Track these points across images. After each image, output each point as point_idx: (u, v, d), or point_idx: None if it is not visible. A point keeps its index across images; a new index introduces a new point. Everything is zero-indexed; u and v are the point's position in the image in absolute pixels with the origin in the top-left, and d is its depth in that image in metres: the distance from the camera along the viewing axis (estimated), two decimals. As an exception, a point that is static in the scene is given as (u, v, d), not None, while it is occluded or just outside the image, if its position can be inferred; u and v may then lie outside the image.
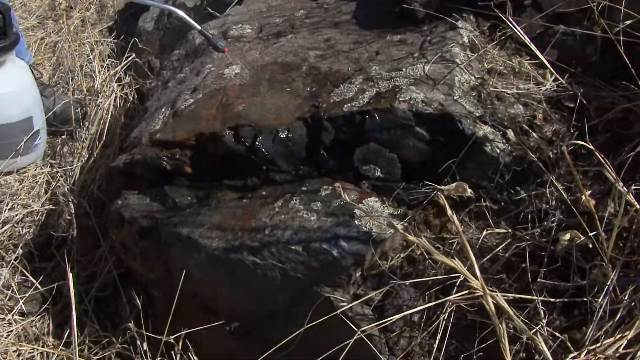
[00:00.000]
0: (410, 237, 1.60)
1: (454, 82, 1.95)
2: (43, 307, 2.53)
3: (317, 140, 2.00)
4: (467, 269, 1.52)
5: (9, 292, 2.56)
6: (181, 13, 2.22)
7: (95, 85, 3.36)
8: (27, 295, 2.55)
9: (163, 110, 2.37)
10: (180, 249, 1.99)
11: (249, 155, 2.04)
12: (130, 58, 3.42)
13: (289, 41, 2.48)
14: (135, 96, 3.33)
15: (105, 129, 3.05)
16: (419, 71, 2.01)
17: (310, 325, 1.67)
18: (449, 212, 1.57)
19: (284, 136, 2.01)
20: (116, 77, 3.42)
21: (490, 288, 1.65)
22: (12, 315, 2.46)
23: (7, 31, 2.89)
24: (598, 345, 1.46)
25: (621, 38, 1.87)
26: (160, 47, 3.59)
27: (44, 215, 2.88)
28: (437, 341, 1.64)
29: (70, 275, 1.72)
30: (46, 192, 2.98)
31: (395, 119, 1.90)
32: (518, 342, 1.57)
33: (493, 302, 1.47)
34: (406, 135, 1.89)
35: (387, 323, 1.67)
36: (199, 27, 2.17)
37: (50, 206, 2.89)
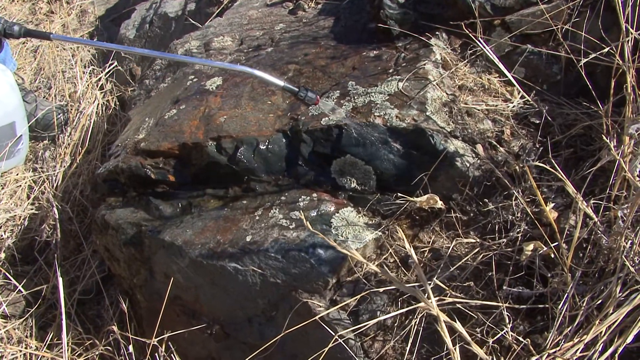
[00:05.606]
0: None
1: (426, 99, 2.04)
2: (25, 310, 2.58)
3: (296, 152, 2.09)
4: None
5: (-8, 294, 2.61)
6: (260, 73, 2.01)
7: (78, 92, 3.40)
8: (9, 298, 2.60)
9: (146, 119, 2.43)
10: (164, 255, 2.06)
11: (230, 165, 2.12)
12: (113, 66, 3.47)
13: (269, 55, 2.55)
14: (117, 103, 3.38)
15: (88, 135, 3.10)
16: (393, 87, 2.10)
17: (290, 330, 1.75)
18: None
19: (264, 148, 2.10)
20: (99, 85, 3.46)
21: (459, 295, 1.75)
22: (-5, 318, 2.52)
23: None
24: (558, 348, 1.56)
25: (582, 59, 1.98)
26: (142, 55, 3.64)
27: (27, 219, 2.92)
28: (410, 344, 1.73)
29: (60, 280, 1.78)
30: (28, 197, 3.01)
31: (371, 133, 1.99)
32: (484, 346, 1.66)
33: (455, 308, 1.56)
34: (381, 149, 1.99)
35: (363, 328, 1.76)
36: (282, 83, 2.02)
37: (32, 211, 2.93)
